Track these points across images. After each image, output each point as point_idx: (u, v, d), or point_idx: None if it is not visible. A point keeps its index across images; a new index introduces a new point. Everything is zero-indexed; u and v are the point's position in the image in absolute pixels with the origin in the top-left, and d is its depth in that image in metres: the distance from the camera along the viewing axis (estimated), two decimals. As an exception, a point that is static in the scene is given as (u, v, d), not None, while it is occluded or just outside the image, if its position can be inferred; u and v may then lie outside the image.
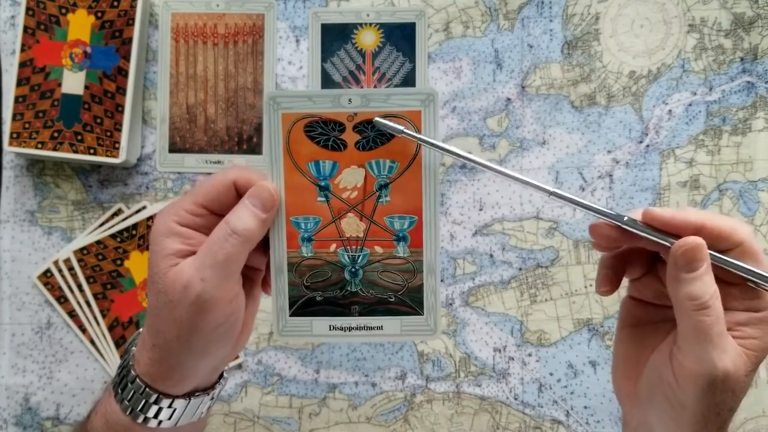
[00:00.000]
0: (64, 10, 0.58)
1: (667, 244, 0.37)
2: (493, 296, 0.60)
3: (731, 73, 0.60)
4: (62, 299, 0.59)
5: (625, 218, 0.38)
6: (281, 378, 0.60)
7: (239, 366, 0.60)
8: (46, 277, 0.60)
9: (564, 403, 0.59)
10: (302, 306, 0.42)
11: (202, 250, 0.38)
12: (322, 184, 0.41)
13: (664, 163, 0.60)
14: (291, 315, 0.42)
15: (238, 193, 0.40)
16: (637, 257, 0.42)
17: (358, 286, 0.42)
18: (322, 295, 0.42)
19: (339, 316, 0.42)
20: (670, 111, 0.60)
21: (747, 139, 0.59)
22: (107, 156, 0.58)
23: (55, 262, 0.59)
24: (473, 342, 0.60)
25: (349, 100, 0.40)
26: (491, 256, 0.60)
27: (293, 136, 0.40)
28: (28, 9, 0.58)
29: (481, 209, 0.60)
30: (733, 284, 0.38)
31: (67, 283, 0.59)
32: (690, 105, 0.60)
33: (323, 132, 0.40)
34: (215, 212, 0.40)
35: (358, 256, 0.41)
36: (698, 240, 0.37)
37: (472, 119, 0.60)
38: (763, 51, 0.60)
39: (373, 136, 0.40)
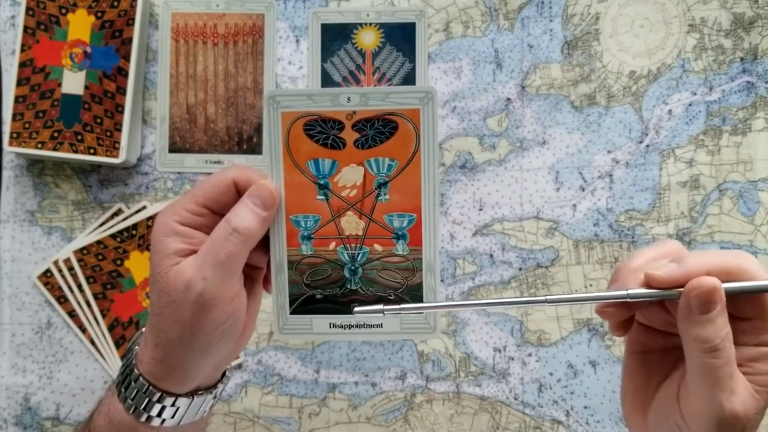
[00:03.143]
0: (64, 10, 0.58)
1: (675, 295, 0.36)
2: (493, 296, 0.60)
3: (731, 73, 0.60)
4: (62, 299, 0.59)
5: (627, 292, 0.37)
6: (281, 378, 0.60)
7: (239, 366, 0.60)
8: (46, 277, 0.60)
9: (564, 403, 0.59)
10: (302, 304, 0.42)
11: (203, 249, 0.39)
12: (322, 182, 0.41)
13: (664, 163, 0.60)
14: (291, 313, 0.42)
15: (238, 192, 0.40)
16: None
17: (357, 284, 0.42)
18: (322, 293, 0.42)
19: (339, 314, 0.42)
20: (670, 111, 0.60)
21: (747, 139, 0.59)
22: (107, 156, 0.58)
23: (55, 262, 0.59)
24: (473, 342, 0.60)
25: (348, 99, 0.40)
26: (491, 256, 0.60)
27: (293, 134, 0.40)
28: (28, 9, 0.58)
29: (481, 209, 0.60)
30: (745, 319, 0.37)
31: (67, 283, 0.59)
32: (690, 105, 0.60)
33: (322, 130, 0.40)
34: (216, 211, 0.40)
35: (358, 254, 0.42)
36: (714, 282, 0.35)
37: (472, 119, 0.60)
38: (763, 51, 0.60)
39: (372, 134, 0.40)
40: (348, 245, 0.41)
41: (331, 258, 0.42)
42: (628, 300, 0.37)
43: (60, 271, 0.59)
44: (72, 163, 0.60)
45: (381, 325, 0.42)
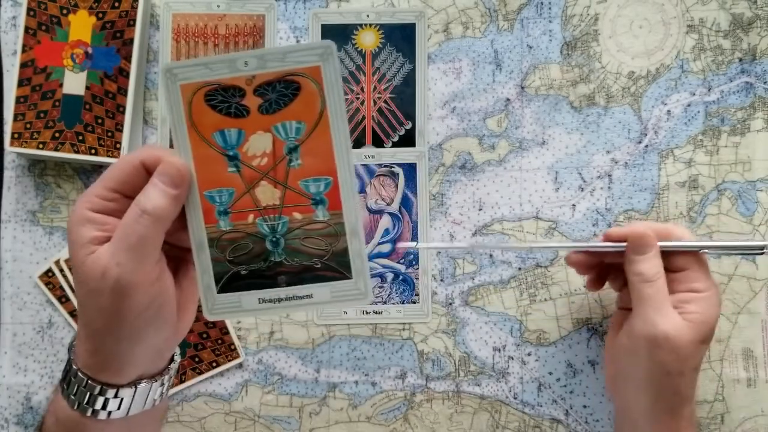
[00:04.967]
0: (65, 11, 0.58)
1: (623, 247, 0.49)
2: (493, 296, 0.60)
3: (730, 74, 0.60)
4: (63, 299, 0.60)
5: (588, 244, 0.51)
6: (281, 377, 0.60)
7: (240, 365, 0.60)
8: (48, 277, 0.60)
9: (563, 403, 0.59)
10: (228, 282, 0.41)
11: (116, 235, 0.38)
12: (231, 153, 0.39)
13: (663, 164, 0.60)
14: (219, 292, 0.41)
15: (147, 172, 0.39)
16: (617, 272, 0.52)
17: (281, 255, 0.41)
18: (246, 268, 0.41)
19: (267, 288, 0.41)
20: (668, 111, 0.60)
21: (745, 140, 0.60)
22: (108, 156, 0.58)
23: (57, 262, 0.60)
24: (473, 341, 0.60)
25: (246, 63, 0.38)
26: (491, 255, 0.60)
27: (195, 106, 0.39)
28: (29, 10, 0.58)
29: (480, 209, 0.60)
30: (678, 271, 0.48)
31: (68, 282, 0.59)
32: (689, 105, 0.60)
33: (224, 99, 0.39)
34: (128, 195, 0.39)
35: (278, 224, 0.40)
36: (645, 226, 0.48)
37: (472, 119, 0.60)
38: (761, 51, 0.60)
39: (275, 98, 0.39)
40: (266, 216, 0.40)
41: (251, 231, 0.40)
42: (591, 250, 0.52)
43: (61, 270, 0.60)
44: (73, 164, 0.61)
45: (311, 296, 0.41)
